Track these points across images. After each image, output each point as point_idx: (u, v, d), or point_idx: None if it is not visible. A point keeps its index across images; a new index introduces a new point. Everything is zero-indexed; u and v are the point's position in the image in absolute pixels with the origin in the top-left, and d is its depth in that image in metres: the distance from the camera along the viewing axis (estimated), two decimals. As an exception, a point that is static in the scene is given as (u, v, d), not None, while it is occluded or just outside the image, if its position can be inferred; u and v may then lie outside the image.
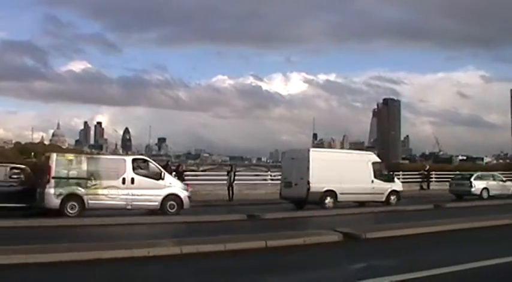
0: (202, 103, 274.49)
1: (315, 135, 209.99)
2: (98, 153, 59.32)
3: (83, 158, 17.55)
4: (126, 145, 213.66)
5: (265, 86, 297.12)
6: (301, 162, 20.82)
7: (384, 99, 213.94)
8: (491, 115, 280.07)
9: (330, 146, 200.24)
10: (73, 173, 16.76)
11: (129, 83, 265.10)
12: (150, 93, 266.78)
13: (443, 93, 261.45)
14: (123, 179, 17.06)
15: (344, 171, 21.04)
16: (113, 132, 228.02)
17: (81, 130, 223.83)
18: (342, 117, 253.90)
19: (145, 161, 18.18)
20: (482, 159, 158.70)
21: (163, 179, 17.65)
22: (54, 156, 16.87)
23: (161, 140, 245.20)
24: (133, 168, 17.20)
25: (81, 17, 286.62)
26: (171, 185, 17.86)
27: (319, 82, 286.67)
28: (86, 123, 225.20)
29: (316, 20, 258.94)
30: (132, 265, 7.96)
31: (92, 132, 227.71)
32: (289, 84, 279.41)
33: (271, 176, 31.85)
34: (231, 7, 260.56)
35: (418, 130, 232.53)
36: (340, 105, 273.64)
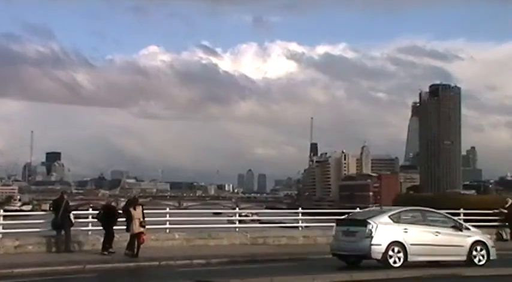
0: (118, 93, 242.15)
1: (313, 148, 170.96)
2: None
3: None
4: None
5: (223, 64, 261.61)
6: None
7: (432, 87, 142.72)
8: None
9: (340, 166, 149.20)
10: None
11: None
12: (24, 75, 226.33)
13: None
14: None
15: None
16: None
17: None
18: (355, 117, 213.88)
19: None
20: None
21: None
22: None
23: (52, 157, 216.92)
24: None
25: None
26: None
27: (314, 58, 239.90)
28: None
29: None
30: None
31: None
32: (265, 62, 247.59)
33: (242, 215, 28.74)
34: None
35: (489, 138, 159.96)
36: (351, 97, 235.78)
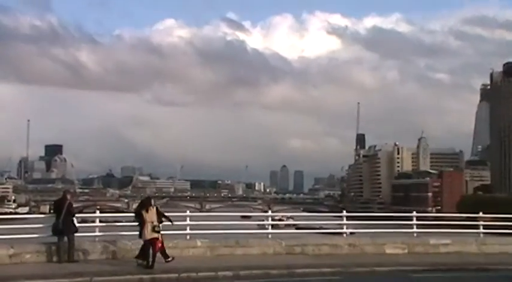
0: (129, 75, 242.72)
1: (360, 139, 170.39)
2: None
3: None
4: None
5: (252, 40, 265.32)
6: None
7: (507, 66, 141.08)
8: None
9: (392, 161, 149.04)
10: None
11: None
12: (18, 54, 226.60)
13: None
14: None
15: None
16: None
17: None
18: (410, 103, 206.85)
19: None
20: None
21: None
22: None
23: (52, 150, 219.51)
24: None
25: None
26: None
27: (361, 33, 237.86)
28: None
29: None
30: None
31: None
32: (302, 38, 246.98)
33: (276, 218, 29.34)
34: None
35: None
36: (406, 79, 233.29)
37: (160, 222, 18.62)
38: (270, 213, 30.04)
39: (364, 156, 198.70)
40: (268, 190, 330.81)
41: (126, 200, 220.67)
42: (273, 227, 26.00)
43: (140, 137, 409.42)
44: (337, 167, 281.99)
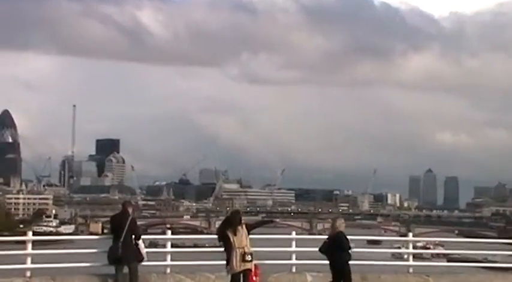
0: (208, 43, 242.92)
1: None
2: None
3: None
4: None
5: None
6: None
7: None
8: None
9: None
10: None
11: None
12: (59, 16, 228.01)
13: None
14: None
15: None
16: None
17: None
18: None
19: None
20: None
21: None
22: None
23: (106, 147, 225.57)
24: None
25: None
26: None
27: None
28: None
29: None
30: None
31: None
32: None
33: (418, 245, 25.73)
34: None
35: None
36: None
37: None
38: (410, 237, 29.84)
39: None
40: (406, 204, 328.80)
41: (205, 217, 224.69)
42: (415, 257, 25.96)
43: (224, 128, 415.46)
44: (508, 172, 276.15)
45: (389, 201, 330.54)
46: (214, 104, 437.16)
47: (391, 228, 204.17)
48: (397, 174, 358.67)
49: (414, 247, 27.34)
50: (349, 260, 19.34)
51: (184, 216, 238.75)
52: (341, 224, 19.82)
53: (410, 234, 36.14)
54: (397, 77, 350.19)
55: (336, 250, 19.31)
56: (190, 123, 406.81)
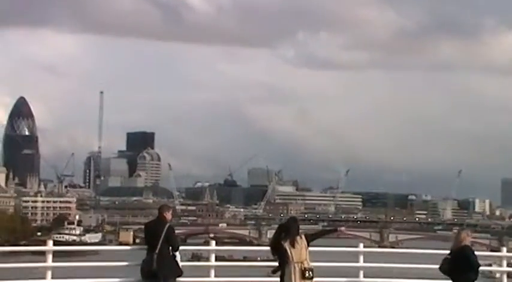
0: (258, 20, 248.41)
1: None
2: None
3: None
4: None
5: None
6: None
7: None
8: None
9: None
10: None
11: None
12: None
13: None
14: None
15: None
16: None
17: None
18: None
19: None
20: None
21: None
22: None
23: (138, 141, 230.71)
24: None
25: None
26: None
27: None
28: None
29: None
30: None
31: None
32: None
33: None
34: None
35: None
36: None
37: None
38: (503, 252, 29.67)
39: None
40: (498, 213, 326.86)
41: (255, 225, 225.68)
42: (509, 277, 25.74)
43: (277, 119, 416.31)
44: None
45: (477, 209, 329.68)
46: (267, 92, 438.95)
47: (480, 241, 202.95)
48: (487, 176, 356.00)
49: (509, 264, 27.14)
50: (475, 280, 19.26)
51: (220, 224, 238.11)
52: (466, 237, 19.78)
53: (504, 248, 35.90)
54: (487, 60, 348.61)
55: (460, 268, 19.23)
56: (238, 114, 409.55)
